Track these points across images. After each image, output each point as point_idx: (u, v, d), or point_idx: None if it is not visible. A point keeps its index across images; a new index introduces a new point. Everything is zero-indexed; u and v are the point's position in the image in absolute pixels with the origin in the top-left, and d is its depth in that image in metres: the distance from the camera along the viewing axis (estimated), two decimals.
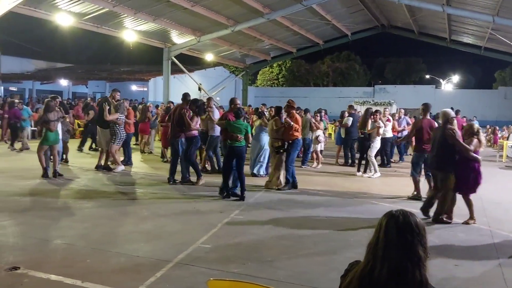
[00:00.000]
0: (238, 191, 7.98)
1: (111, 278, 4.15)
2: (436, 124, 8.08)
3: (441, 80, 45.53)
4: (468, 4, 17.85)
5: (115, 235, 5.58)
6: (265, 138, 10.38)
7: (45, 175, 9.27)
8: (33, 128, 18.90)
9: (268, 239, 5.58)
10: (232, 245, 5.29)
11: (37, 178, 9.21)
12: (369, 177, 10.78)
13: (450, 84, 45.94)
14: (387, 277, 1.80)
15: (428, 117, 8.40)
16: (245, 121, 9.24)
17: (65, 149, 11.21)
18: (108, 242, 5.25)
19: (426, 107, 8.33)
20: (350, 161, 12.96)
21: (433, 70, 49.95)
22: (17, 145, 14.09)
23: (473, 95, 36.99)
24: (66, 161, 11.32)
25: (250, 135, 8.36)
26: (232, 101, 9.07)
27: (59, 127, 9.66)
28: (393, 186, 9.78)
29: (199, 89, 29.36)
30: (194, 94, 28.02)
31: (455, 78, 47.31)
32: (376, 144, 10.93)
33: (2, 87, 25.38)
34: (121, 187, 8.77)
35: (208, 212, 6.93)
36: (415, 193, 8.43)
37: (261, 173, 10.44)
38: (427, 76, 48.66)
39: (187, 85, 28.84)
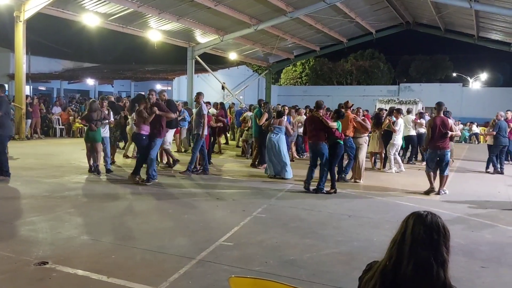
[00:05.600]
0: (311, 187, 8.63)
1: (136, 274, 4.23)
2: (451, 121, 8.69)
3: (468, 78, 44.44)
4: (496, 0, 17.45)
5: (140, 232, 5.67)
6: (283, 138, 10.43)
7: (90, 170, 9.83)
8: (60, 127, 19.41)
9: (290, 238, 5.58)
10: (254, 243, 5.31)
11: (65, 175, 9.45)
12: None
13: (478, 82, 44.80)
14: (413, 273, 1.84)
15: (442, 115, 8.69)
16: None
17: (113, 151, 11.31)
18: (134, 239, 5.34)
19: (438, 106, 8.71)
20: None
21: (460, 68, 48.72)
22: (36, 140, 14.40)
23: (502, 93, 35.93)
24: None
25: None
26: (319, 104, 8.90)
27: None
28: (421, 186, 9.67)
29: (223, 88, 29.51)
30: (217, 93, 28.42)
31: (483, 76, 46.10)
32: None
33: (31, 87, 26.06)
34: (146, 185, 8.88)
35: (230, 210, 6.98)
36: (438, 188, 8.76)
37: (288, 176, 10.09)
38: (454, 74, 47.50)
39: (211, 84, 29.01)
